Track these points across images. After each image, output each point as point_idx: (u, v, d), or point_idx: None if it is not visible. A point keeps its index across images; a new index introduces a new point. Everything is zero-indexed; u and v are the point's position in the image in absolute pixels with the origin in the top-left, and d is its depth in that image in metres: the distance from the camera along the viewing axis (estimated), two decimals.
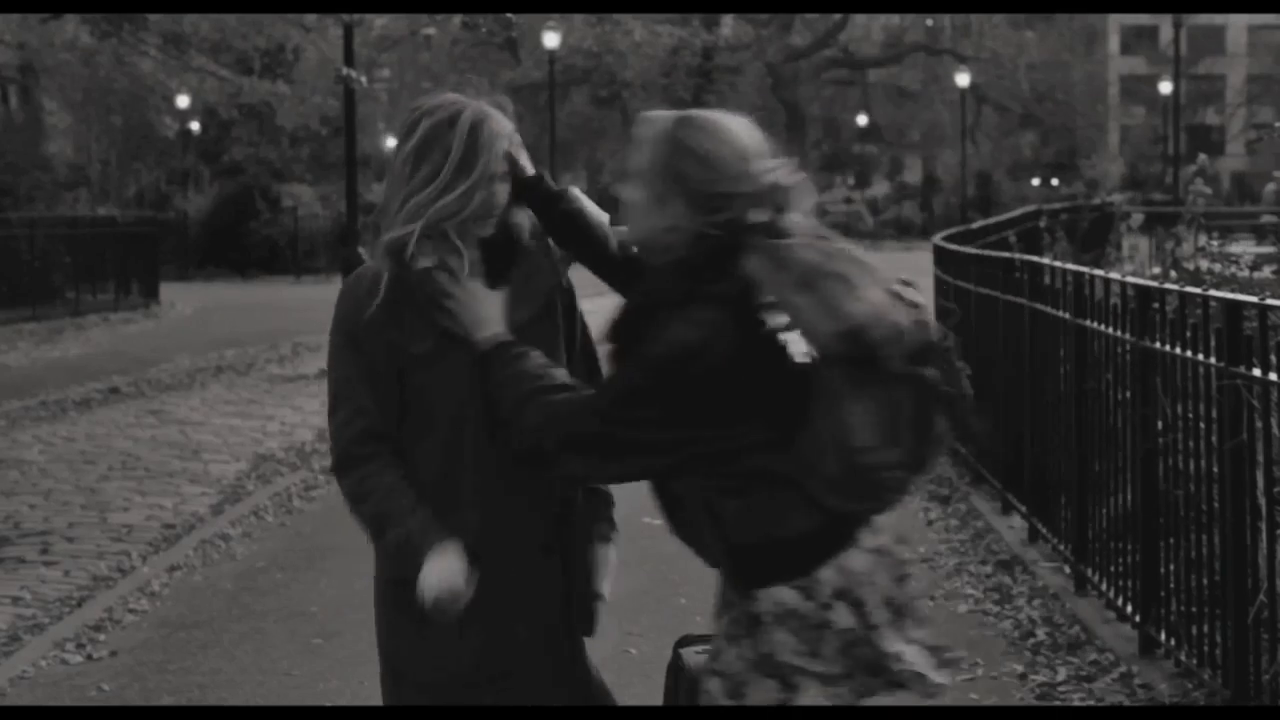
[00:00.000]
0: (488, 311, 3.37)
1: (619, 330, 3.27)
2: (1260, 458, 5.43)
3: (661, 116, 3.28)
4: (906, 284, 3.26)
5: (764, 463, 3.20)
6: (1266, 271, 10.18)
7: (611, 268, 3.54)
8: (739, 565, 3.25)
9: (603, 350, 3.34)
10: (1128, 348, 6.74)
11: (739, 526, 3.23)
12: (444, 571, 3.31)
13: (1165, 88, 62.15)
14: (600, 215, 3.56)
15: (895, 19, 67.29)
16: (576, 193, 3.53)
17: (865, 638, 3.23)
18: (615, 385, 3.23)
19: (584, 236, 3.54)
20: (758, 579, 3.23)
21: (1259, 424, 5.39)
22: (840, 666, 3.21)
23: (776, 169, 3.25)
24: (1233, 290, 7.03)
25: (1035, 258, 9.78)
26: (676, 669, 3.63)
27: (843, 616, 3.21)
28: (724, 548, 3.26)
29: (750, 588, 3.23)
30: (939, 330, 3.24)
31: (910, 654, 3.28)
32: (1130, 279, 7.03)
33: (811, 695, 3.19)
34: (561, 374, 3.32)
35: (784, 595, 3.20)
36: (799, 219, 3.26)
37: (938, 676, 3.29)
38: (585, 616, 3.61)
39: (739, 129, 3.26)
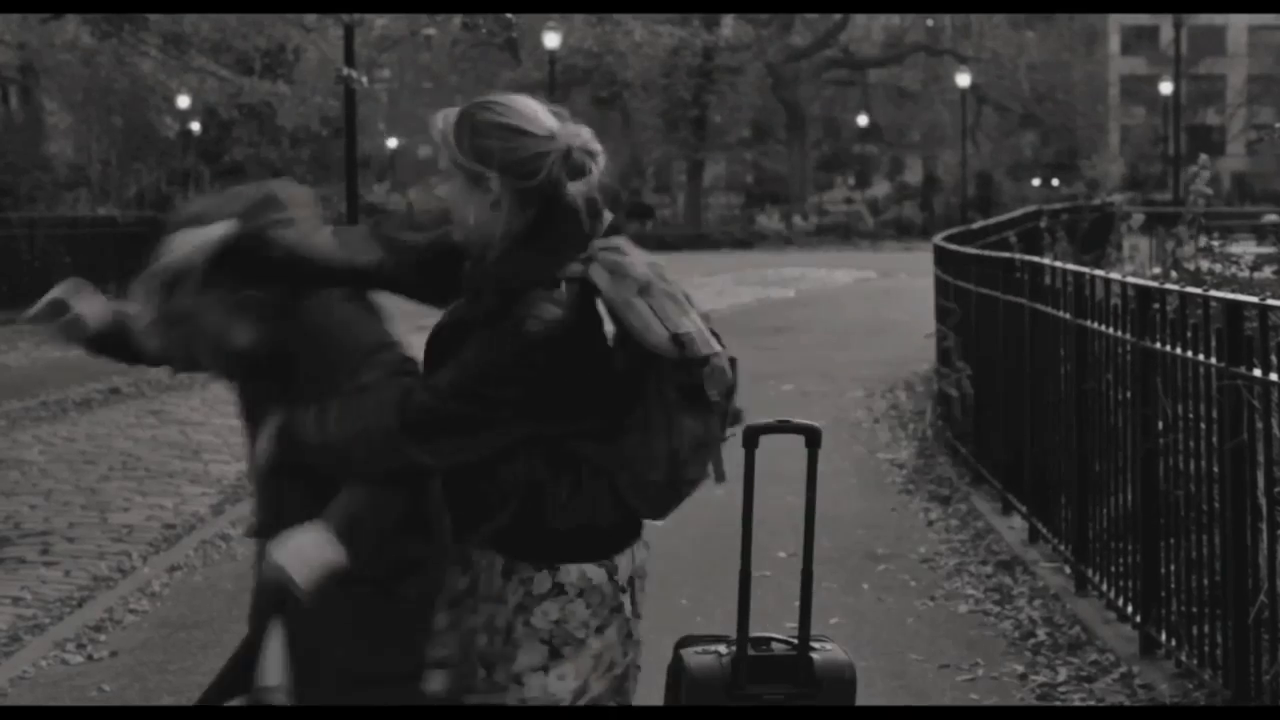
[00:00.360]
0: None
1: (480, 315, 3.34)
2: (1260, 458, 5.43)
3: (450, 110, 3.44)
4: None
5: (588, 452, 3.36)
6: (1267, 272, 10.20)
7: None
8: (552, 544, 3.38)
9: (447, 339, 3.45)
10: (1128, 348, 6.75)
11: (560, 513, 3.38)
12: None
13: (1166, 88, 62.17)
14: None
15: (895, 19, 67.36)
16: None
17: (630, 629, 3.46)
18: (477, 363, 3.31)
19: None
20: (567, 558, 3.39)
21: (1259, 424, 5.39)
22: (612, 654, 3.42)
23: (573, 131, 3.40)
24: (1233, 291, 7.04)
25: (1036, 258, 9.78)
26: (677, 670, 3.63)
27: (627, 605, 3.45)
28: (534, 527, 3.38)
29: (558, 563, 3.39)
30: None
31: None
32: (1131, 279, 7.03)
33: (567, 669, 3.36)
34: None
35: (591, 570, 3.40)
36: (617, 222, 3.44)
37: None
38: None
39: (527, 101, 3.44)
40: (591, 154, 3.39)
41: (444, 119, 3.42)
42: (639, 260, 3.37)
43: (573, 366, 3.32)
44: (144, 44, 30.02)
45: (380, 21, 38.41)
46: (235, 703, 3.58)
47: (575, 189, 3.36)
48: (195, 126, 49.01)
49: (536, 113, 3.39)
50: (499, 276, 3.33)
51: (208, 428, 14.09)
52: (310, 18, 25.85)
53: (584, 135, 3.39)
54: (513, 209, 3.35)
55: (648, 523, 3.55)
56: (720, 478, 3.48)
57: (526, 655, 3.37)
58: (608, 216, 3.44)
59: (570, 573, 3.38)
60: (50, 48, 30.83)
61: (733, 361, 3.44)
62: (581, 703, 3.39)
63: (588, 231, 3.37)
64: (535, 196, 3.34)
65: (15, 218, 27.88)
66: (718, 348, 3.36)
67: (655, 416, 3.32)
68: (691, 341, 3.29)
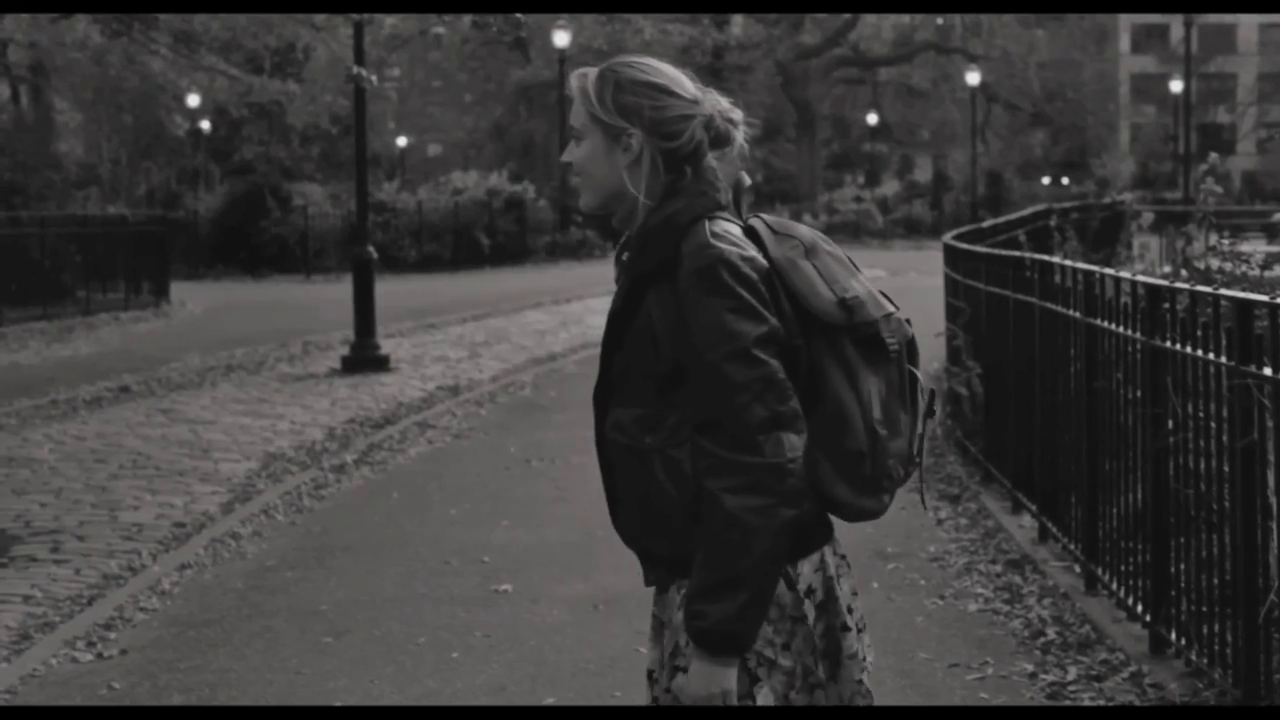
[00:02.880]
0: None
1: (650, 269, 3.17)
2: (1271, 457, 5.42)
3: (588, 69, 3.29)
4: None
5: None
6: (1278, 270, 10.17)
7: None
8: None
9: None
10: (1138, 347, 6.74)
11: None
12: None
13: (1176, 86, 62.13)
14: None
15: (905, 18, 67.28)
16: None
17: (821, 643, 3.16)
18: (707, 323, 3.06)
19: None
20: None
21: (1270, 423, 5.38)
22: (803, 664, 3.14)
23: (715, 99, 3.26)
24: (1244, 289, 7.02)
25: (1045, 257, 9.77)
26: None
27: (812, 614, 3.14)
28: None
29: None
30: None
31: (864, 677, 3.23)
32: (1141, 278, 7.01)
33: (767, 692, 3.11)
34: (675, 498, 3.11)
35: None
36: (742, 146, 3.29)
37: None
38: None
39: (668, 66, 3.28)
40: (734, 122, 3.26)
41: (582, 76, 3.26)
42: (805, 225, 3.25)
43: (764, 285, 3.10)
44: (154, 43, 30.07)
45: (390, 20, 38.46)
46: None
47: (715, 158, 3.23)
48: (205, 125, 49.11)
49: (680, 76, 3.24)
50: (663, 218, 3.16)
51: (218, 426, 14.11)
52: (320, 17, 25.90)
53: (725, 104, 3.25)
54: (652, 170, 3.19)
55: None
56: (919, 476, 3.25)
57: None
58: (746, 187, 3.29)
59: None
60: (61, 46, 30.90)
61: (908, 322, 3.25)
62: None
63: (726, 197, 3.22)
64: (675, 159, 3.19)
65: (26, 216, 27.90)
66: (890, 308, 3.19)
67: (836, 378, 3.10)
68: (860, 305, 3.13)
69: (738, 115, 3.26)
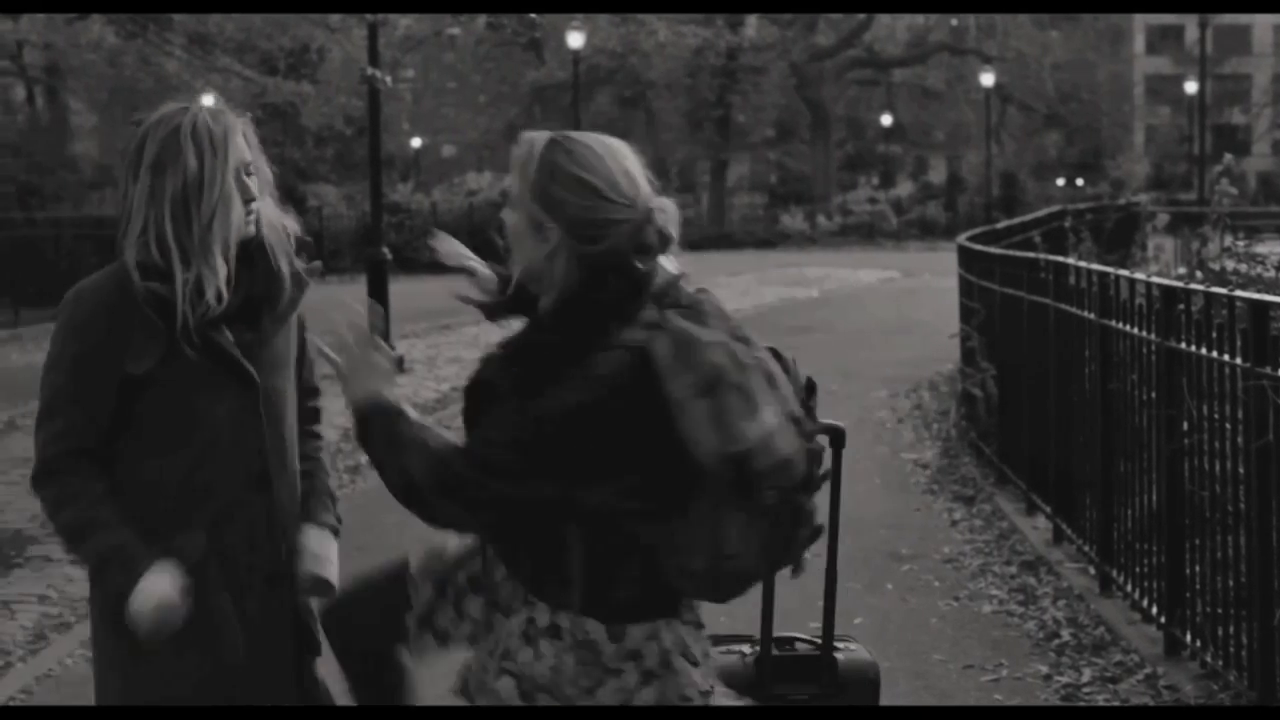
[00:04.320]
0: (370, 377, 3.22)
1: (507, 371, 3.09)
2: None
3: (536, 137, 3.12)
4: (811, 390, 3.16)
5: (634, 529, 3.06)
6: None
7: None
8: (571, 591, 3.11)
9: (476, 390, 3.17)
10: (1153, 348, 6.73)
11: (588, 574, 3.09)
12: (160, 589, 3.26)
13: (1191, 87, 62.05)
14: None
15: (920, 19, 67.24)
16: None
17: (631, 699, 3.10)
18: (496, 434, 3.05)
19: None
20: (583, 609, 3.10)
21: None
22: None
23: (658, 204, 3.09)
24: (1259, 291, 7.01)
25: (1060, 258, 9.77)
26: None
27: (630, 676, 3.09)
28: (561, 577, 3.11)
29: (572, 613, 3.10)
30: (821, 456, 3.14)
31: None
32: (1155, 279, 7.01)
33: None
34: (438, 432, 3.16)
35: (592, 627, 3.08)
36: (691, 291, 3.12)
37: None
38: (312, 642, 3.58)
39: (615, 152, 3.10)
40: (669, 236, 3.08)
41: (529, 146, 3.10)
42: (717, 329, 3.02)
43: (605, 441, 3.01)
44: (169, 44, 30.16)
45: (404, 21, 38.52)
46: None
47: (637, 262, 3.06)
48: None
49: (627, 172, 3.07)
50: (559, 336, 3.05)
51: None
52: (334, 18, 25.95)
53: (669, 212, 3.08)
54: (566, 269, 3.04)
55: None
56: (797, 571, 3.18)
57: (543, 699, 3.11)
58: (667, 271, 3.11)
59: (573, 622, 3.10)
60: (76, 48, 30.97)
61: (812, 455, 3.07)
62: None
63: (641, 295, 3.06)
64: (593, 261, 3.03)
65: (41, 218, 28.01)
66: (788, 450, 2.99)
67: (700, 506, 2.98)
68: (747, 459, 2.93)
69: (673, 232, 3.09)
